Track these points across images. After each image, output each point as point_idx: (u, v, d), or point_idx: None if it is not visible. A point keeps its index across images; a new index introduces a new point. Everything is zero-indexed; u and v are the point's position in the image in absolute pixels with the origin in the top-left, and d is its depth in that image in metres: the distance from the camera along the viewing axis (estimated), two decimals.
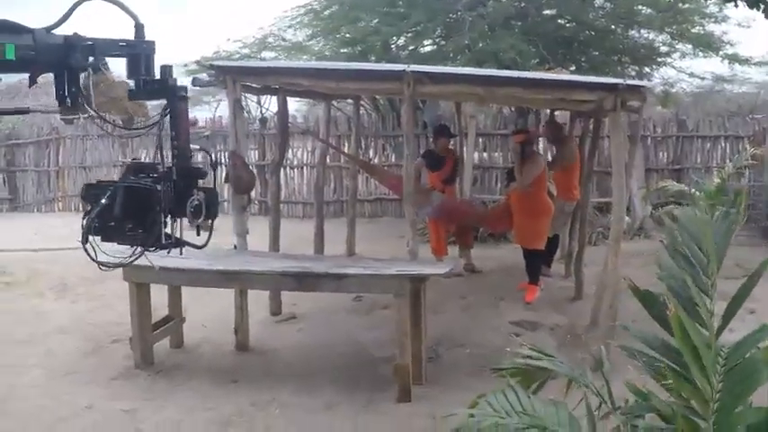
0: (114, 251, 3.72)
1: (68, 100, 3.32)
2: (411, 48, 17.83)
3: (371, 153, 18.95)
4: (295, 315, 9.57)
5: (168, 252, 3.71)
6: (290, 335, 8.94)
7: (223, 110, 26.22)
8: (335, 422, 6.44)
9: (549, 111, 12.97)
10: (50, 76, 3.33)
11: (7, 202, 20.96)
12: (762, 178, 15.80)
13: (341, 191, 18.47)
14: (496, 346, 7.72)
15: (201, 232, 3.79)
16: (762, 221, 14.64)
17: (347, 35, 17.42)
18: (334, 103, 15.05)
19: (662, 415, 3.01)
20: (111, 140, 20.17)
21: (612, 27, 17.98)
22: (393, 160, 18.14)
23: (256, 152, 19.26)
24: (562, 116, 13.50)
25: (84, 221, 3.52)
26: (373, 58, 16.69)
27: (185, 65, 18.07)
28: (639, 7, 17.20)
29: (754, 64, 18.17)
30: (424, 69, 8.29)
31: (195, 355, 8.24)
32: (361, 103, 15.38)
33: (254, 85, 9.57)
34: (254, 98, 16.16)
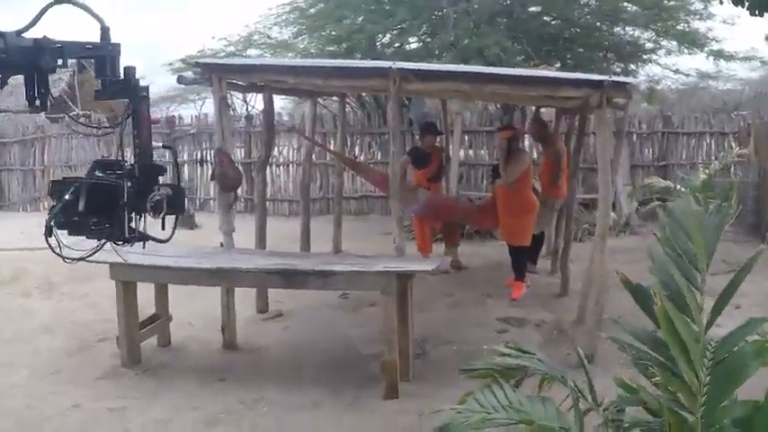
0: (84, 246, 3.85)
1: (38, 101, 3.40)
2: (396, 45, 17.89)
3: (357, 150, 18.98)
4: (282, 313, 9.56)
5: (143, 247, 3.87)
6: (276, 333, 8.92)
7: (208, 107, 26.21)
8: (323, 419, 6.44)
9: (534, 108, 12.98)
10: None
11: None
12: (747, 175, 15.85)
13: (327, 188, 18.47)
14: (483, 343, 7.72)
15: (170, 228, 3.94)
16: (747, 218, 14.68)
17: (332, 33, 17.45)
18: (320, 100, 15.05)
19: (649, 409, 3.03)
20: (96, 139, 20.13)
21: (598, 24, 18.09)
22: (379, 158, 18.16)
23: (242, 150, 19.26)
24: (548, 113, 13.53)
25: (48, 216, 3.63)
26: (359, 55, 16.72)
27: (171, 63, 18.08)
28: (625, 4, 17.28)
29: (739, 60, 18.24)
30: (409, 66, 8.30)
31: (182, 354, 8.22)
32: (347, 100, 15.39)
33: (239, 83, 9.55)
34: (240, 96, 16.17)
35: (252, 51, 19.29)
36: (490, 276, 11.50)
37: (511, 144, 10.15)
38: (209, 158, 19.46)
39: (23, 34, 3.30)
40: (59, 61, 3.40)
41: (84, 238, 3.70)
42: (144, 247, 3.93)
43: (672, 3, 17.53)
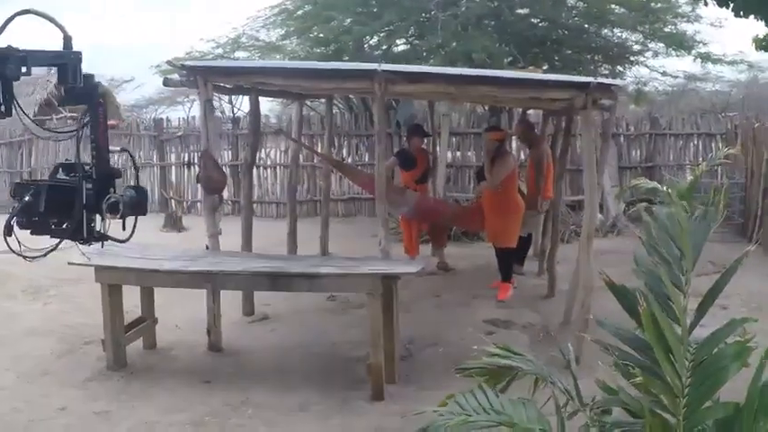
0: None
1: (2, 107, 3.55)
2: (384, 47, 17.86)
3: (345, 152, 18.97)
4: (268, 315, 9.54)
5: (102, 246, 4.09)
6: (263, 335, 8.91)
7: (197, 110, 26.23)
8: (309, 422, 6.43)
9: (521, 110, 13.00)
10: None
11: None
12: (734, 176, 15.89)
13: (314, 190, 18.50)
14: (469, 345, 7.72)
15: (128, 228, 4.27)
16: (734, 219, 14.74)
17: (320, 35, 17.41)
18: (308, 102, 15.05)
19: (630, 410, 3.03)
20: (84, 142, 20.07)
21: (585, 26, 18.10)
22: (366, 159, 18.15)
23: (230, 152, 19.24)
24: (535, 114, 13.55)
25: (8, 216, 3.83)
26: (346, 57, 16.70)
27: (158, 65, 18.04)
28: (612, 7, 17.28)
29: (727, 63, 18.27)
30: (395, 68, 8.30)
31: (168, 357, 8.19)
32: (335, 102, 15.38)
33: (225, 85, 9.54)
34: (227, 98, 16.13)
35: (240, 53, 19.27)
36: (477, 278, 11.51)
37: (498, 146, 10.17)
38: (196, 161, 19.45)
39: None
40: (23, 69, 3.54)
41: (49, 237, 3.83)
42: (102, 247, 4.08)
43: (659, 5, 17.55)
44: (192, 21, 74.54)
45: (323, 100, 13.48)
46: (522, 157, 14.11)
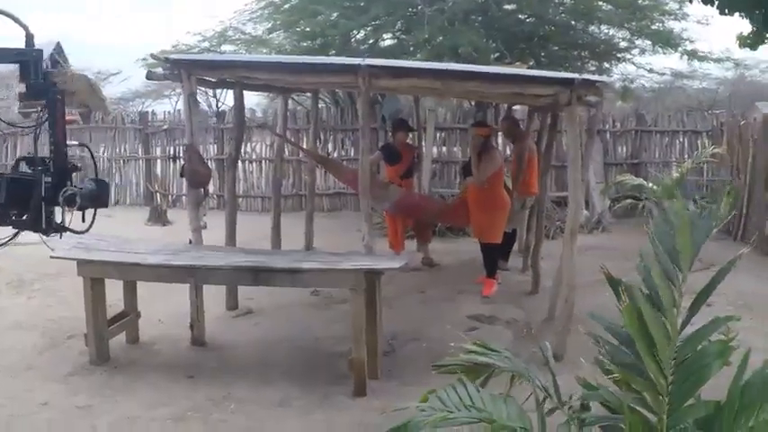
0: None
1: None
2: (371, 42, 17.84)
3: (330, 147, 18.98)
4: (252, 310, 9.52)
5: (60, 237, 4.29)
6: (246, 330, 8.89)
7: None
8: (291, 417, 6.41)
9: (507, 106, 13.00)
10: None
11: None
12: (720, 174, 15.94)
13: (299, 185, 18.48)
14: (453, 340, 7.71)
15: (87, 219, 4.47)
16: None
17: (306, 29, 17.37)
18: (294, 96, 15.00)
19: (610, 407, 3.02)
20: (69, 135, 20.00)
21: (572, 23, 18.11)
22: (352, 154, 18.16)
23: (215, 146, 19.21)
24: (521, 110, 13.55)
25: None
26: (333, 51, 16.66)
27: (144, 59, 17.97)
28: (599, 3, 17.31)
29: (714, 60, 18.32)
30: (379, 63, 8.28)
31: (151, 351, 8.16)
32: (320, 96, 15.35)
33: (209, 79, 9.50)
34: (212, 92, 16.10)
35: (226, 47, 19.21)
36: (461, 273, 11.52)
37: (485, 142, 10.17)
38: (181, 154, 19.39)
39: None
40: None
41: (12, 228, 3.97)
42: (60, 238, 4.26)
43: (646, 2, 17.58)
44: (188, 22, 74.62)
45: (309, 94, 13.41)
46: (508, 152, 14.08)
